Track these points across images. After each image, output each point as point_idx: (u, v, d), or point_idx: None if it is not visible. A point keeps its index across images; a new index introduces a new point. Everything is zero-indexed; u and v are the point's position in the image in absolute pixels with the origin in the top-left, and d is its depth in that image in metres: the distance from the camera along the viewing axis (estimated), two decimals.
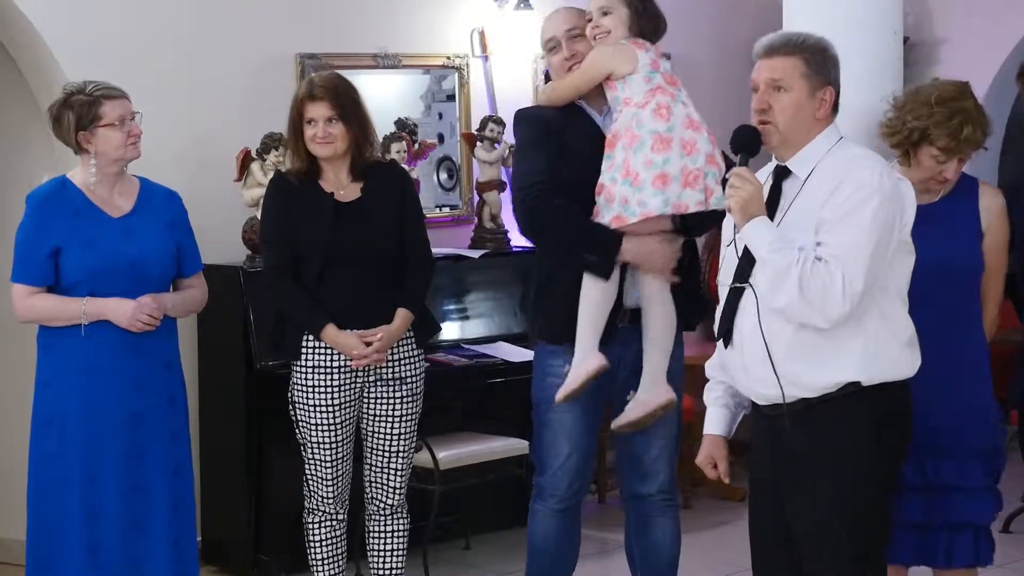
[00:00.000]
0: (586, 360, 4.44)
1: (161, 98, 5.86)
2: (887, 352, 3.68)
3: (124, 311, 4.58)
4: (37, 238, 4.60)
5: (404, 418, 4.97)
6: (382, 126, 6.42)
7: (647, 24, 4.49)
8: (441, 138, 6.89)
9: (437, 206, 6.88)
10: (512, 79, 6.96)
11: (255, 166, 5.97)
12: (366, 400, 4.96)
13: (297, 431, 4.98)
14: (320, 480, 4.96)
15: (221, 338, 6.02)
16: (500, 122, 6.64)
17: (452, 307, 6.46)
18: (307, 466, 4.98)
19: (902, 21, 4.51)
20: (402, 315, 4.89)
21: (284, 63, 6.34)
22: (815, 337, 3.63)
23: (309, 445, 4.94)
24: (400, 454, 5.00)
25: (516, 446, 6.10)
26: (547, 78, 4.87)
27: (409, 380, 4.98)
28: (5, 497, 6.10)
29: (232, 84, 6.20)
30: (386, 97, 6.70)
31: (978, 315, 4.34)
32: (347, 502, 5.06)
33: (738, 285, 3.71)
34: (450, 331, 6.35)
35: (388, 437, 4.98)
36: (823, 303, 3.56)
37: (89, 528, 4.59)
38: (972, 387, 4.30)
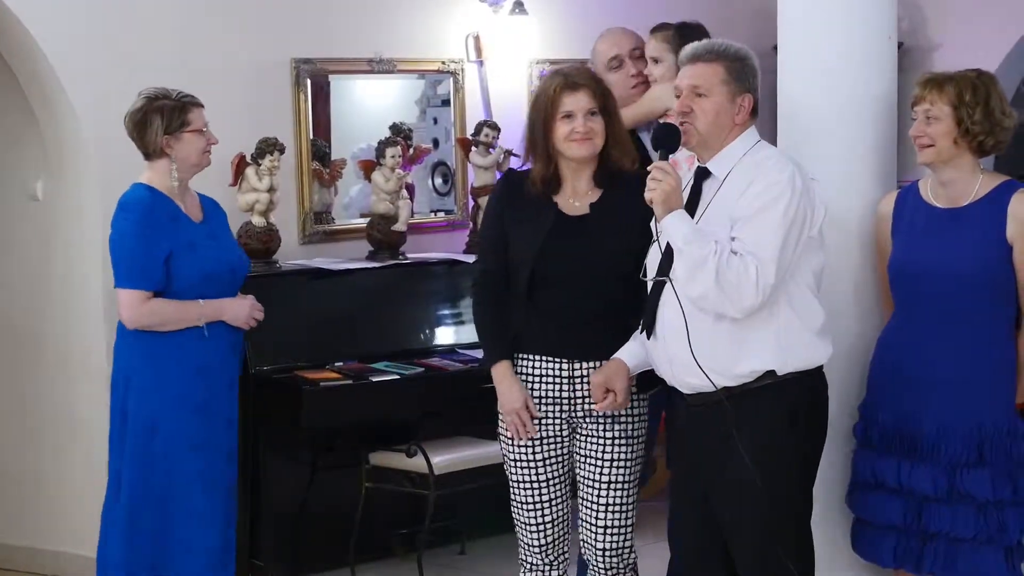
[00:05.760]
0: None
1: None
2: (799, 341, 3.83)
3: (241, 310, 4.70)
4: (149, 244, 4.62)
5: (616, 463, 4.15)
6: (377, 131, 6.44)
7: None
8: (436, 143, 6.89)
9: (432, 211, 6.89)
10: (507, 84, 6.96)
11: (250, 171, 5.97)
12: (578, 439, 4.22)
13: (504, 464, 4.30)
14: (524, 526, 4.24)
15: None
16: (495, 127, 6.64)
17: (447, 312, 6.45)
18: (512, 509, 4.28)
19: (896, 26, 4.51)
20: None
21: (279, 68, 6.33)
22: (731, 327, 3.79)
23: (511, 484, 4.25)
24: (611, 508, 4.16)
25: None
26: None
27: (624, 420, 4.17)
28: (12, 504, 6.10)
29: (227, 89, 6.19)
30: (381, 102, 6.70)
31: (1001, 326, 4.13)
32: (567, 555, 4.29)
33: (660, 279, 3.84)
34: (445, 336, 6.34)
35: (598, 486, 4.16)
36: (738, 294, 3.72)
37: (189, 529, 4.66)
38: (986, 400, 4.11)
